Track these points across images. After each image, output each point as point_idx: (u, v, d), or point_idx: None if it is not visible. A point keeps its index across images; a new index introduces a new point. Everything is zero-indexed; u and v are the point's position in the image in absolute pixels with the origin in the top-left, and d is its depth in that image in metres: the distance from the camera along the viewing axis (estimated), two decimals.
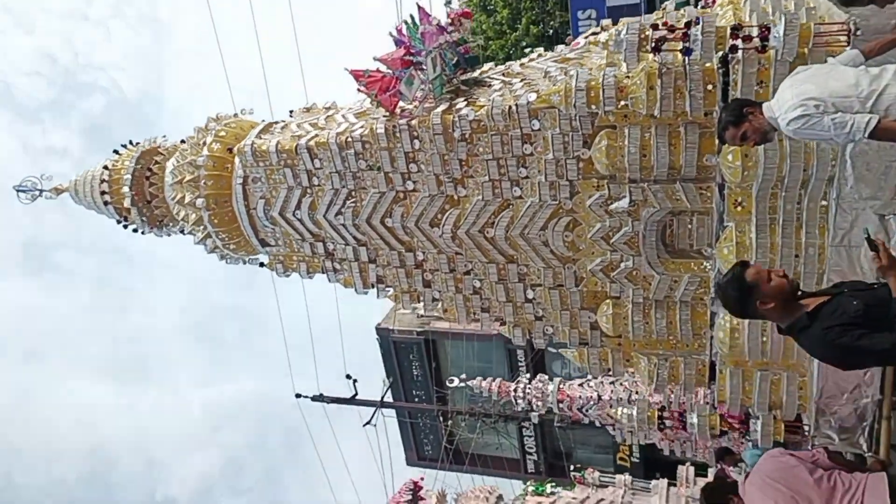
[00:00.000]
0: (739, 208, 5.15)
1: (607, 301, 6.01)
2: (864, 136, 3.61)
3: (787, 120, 3.78)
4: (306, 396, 19.73)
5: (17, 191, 8.93)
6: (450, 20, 6.38)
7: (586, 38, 6.17)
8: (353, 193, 6.67)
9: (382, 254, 6.87)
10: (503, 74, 6.41)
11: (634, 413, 6.35)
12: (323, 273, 7.41)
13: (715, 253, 5.38)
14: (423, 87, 6.12)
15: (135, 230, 8.51)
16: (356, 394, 19.49)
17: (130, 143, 8.37)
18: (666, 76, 4.94)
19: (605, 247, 5.76)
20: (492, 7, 25.44)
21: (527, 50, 7.18)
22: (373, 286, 7.15)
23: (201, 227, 7.46)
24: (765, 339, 5.42)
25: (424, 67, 6.12)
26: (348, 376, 19.48)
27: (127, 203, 7.96)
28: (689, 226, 5.67)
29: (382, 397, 20.05)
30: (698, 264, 5.71)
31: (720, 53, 4.71)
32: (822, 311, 3.33)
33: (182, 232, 8.44)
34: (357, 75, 6.29)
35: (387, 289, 7.11)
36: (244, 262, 8.17)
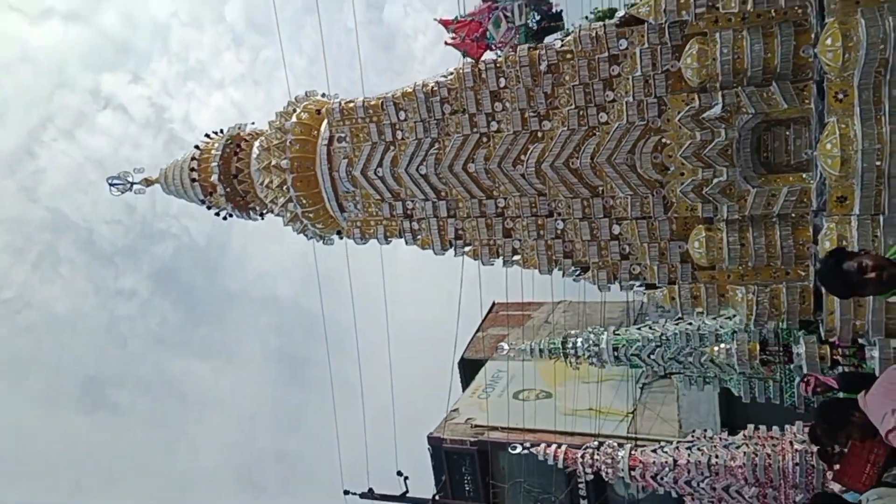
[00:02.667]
0: (841, 101, 5.00)
1: (699, 226, 5.77)
2: None
3: None
4: (354, 493, 18.93)
5: (109, 184, 9.36)
6: None
7: None
8: (436, 141, 6.76)
9: (462, 205, 6.84)
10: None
11: (734, 348, 5.86)
12: (400, 237, 7.38)
13: (816, 153, 5.17)
14: (509, 31, 6.34)
15: (217, 213, 8.73)
16: (407, 491, 18.63)
17: (220, 130, 8.79)
18: None
19: (696, 163, 5.61)
20: None
21: None
22: (450, 244, 7.06)
23: (283, 193, 7.61)
24: (876, 242, 5.06)
25: (511, 12, 6.38)
26: (399, 473, 18.69)
27: (214, 179, 8.22)
28: (786, 137, 5.50)
29: (404, 494, 19.03)
30: (797, 177, 5.48)
31: None
32: None
33: (261, 215, 8.63)
34: (446, 23, 6.59)
35: (465, 246, 7.01)
36: (320, 238, 8.22)
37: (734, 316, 10.49)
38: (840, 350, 5.36)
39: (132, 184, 9.22)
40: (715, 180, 5.58)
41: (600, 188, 6.11)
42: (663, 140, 5.74)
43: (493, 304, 36.97)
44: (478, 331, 36.93)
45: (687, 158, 5.63)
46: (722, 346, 5.93)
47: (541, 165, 6.23)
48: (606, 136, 5.91)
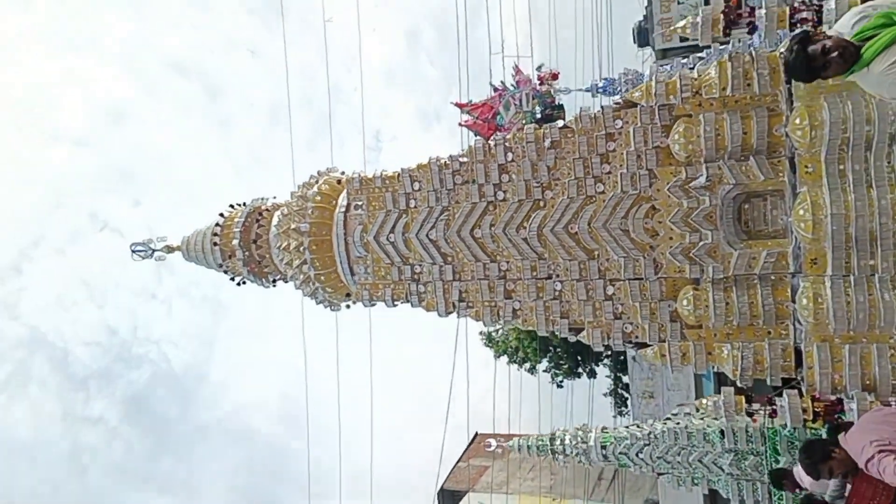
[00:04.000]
0: (810, 173, 5.69)
1: (687, 286, 6.27)
2: None
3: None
4: None
5: (132, 250, 9.82)
6: (539, 79, 7.67)
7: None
8: (446, 210, 7.38)
9: (467, 268, 7.34)
10: None
11: (721, 400, 6.12)
12: (406, 301, 7.82)
13: (791, 219, 5.79)
14: (517, 113, 7.17)
15: (232, 278, 9.17)
16: None
17: (244, 203, 9.41)
18: (735, 60, 5.88)
19: (683, 228, 6.21)
20: None
21: None
22: (454, 306, 7.49)
23: (299, 255, 8.10)
24: (849, 300, 5.56)
25: (519, 100, 7.24)
26: None
27: (234, 243, 8.73)
28: (764, 207, 6.14)
29: None
30: (775, 243, 6.06)
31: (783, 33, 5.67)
32: None
33: (274, 283, 9.08)
34: (461, 105, 7.43)
35: (468, 307, 7.43)
36: (328, 305, 8.62)
37: (719, 418, 10.73)
38: (820, 402, 5.69)
39: (154, 250, 9.69)
40: (701, 243, 6.15)
41: (596, 251, 6.65)
42: (654, 207, 6.36)
43: (476, 434, 36.32)
44: (459, 461, 35.99)
45: (675, 224, 6.23)
46: (708, 400, 6.22)
47: (542, 230, 6.81)
48: (602, 203, 6.54)
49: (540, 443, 11.88)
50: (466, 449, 33.82)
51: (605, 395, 31.74)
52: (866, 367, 5.63)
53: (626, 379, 28.08)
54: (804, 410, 5.65)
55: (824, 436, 5.62)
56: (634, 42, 21.72)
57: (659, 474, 10.96)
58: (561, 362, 32.35)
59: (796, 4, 5.68)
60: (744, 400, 6.01)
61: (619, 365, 30.65)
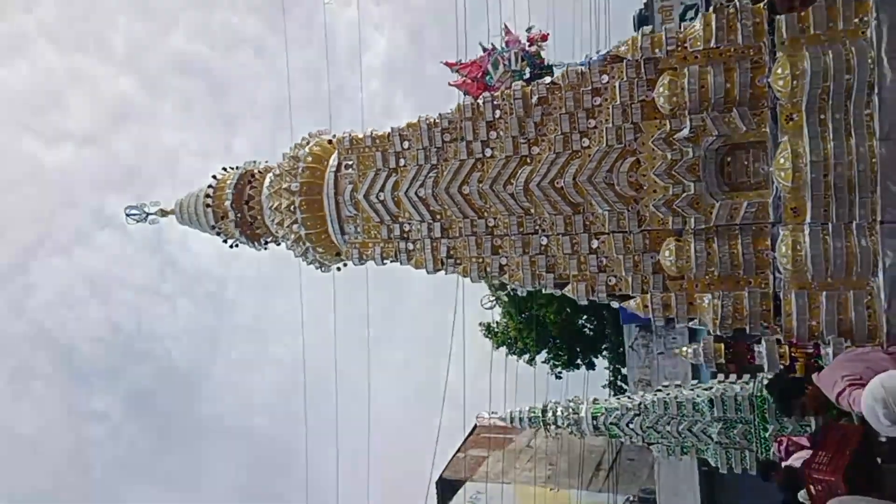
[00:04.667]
0: (791, 122, 5.76)
1: (669, 238, 6.34)
2: None
3: None
4: None
5: (126, 213, 9.93)
6: (528, 40, 7.73)
7: None
8: (434, 167, 7.45)
9: (455, 225, 7.42)
10: None
11: (700, 347, 6.19)
12: (395, 259, 7.90)
13: (772, 169, 5.86)
14: (505, 72, 7.24)
15: (224, 241, 9.26)
16: None
17: (236, 166, 9.49)
18: (719, 12, 5.94)
19: (667, 181, 6.27)
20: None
21: None
22: (442, 263, 7.57)
23: (290, 215, 8.18)
24: (826, 247, 5.62)
25: (508, 60, 7.31)
26: None
27: (226, 204, 8.82)
28: (746, 159, 6.20)
29: None
30: (757, 194, 6.13)
31: None
32: None
33: (266, 245, 9.17)
34: (450, 64, 7.50)
35: (456, 264, 7.51)
36: (319, 265, 8.70)
37: (710, 388, 10.80)
38: (797, 348, 5.75)
39: (147, 214, 9.79)
40: (684, 194, 6.22)
41: (581, 206, 6.73)
42: (638, 161, 6.44)
43: (476, 425, 36.41)
44: (458, 451, 36.10)
45: (659, 176, 6.30)
46: (688, 347, 6.30)
47: (529, 185, 6.89)
48: (588, 158, 6.61)
49: (532, 414, 11.95)
50: (465, 439, 33.94)
51: (603, 386, 31.81)
52: (843, 314, 5.69)
53: (624, 370, 28.15)
54: (781, 356, 5.72)
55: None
56: (635, 30, 21.79)
57: (649, 444, 11.02)
58: (560, 353, 32.47)
59: None
60: (723, 347, 6.08)
61: (617, 356, 30.75)
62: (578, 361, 32.64)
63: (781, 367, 5.69)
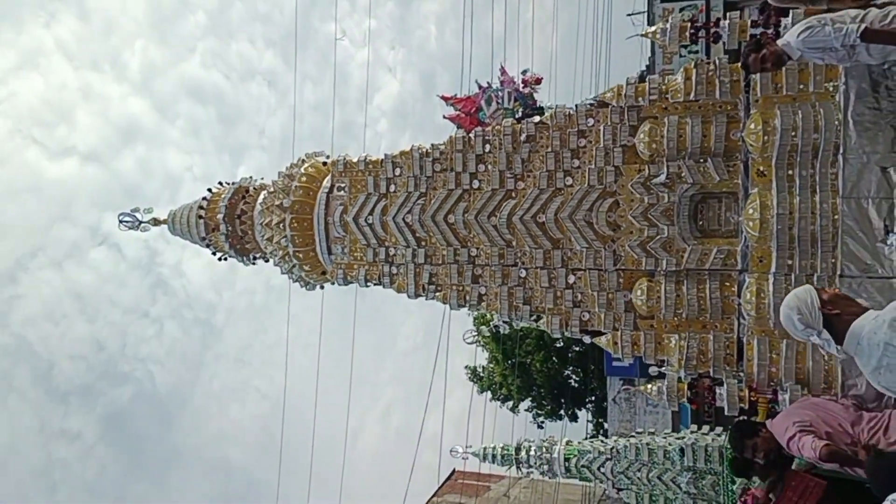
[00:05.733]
0: (762, 176, 6.05)
1: (642, 279, 6.57)
2: (857, 37, 4.77)
3: (797, 34, 5.00)
4: None
5: (119, 219, 10.14)
6: (523, 82, 8.09)
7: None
8: (423, 195, 7.72)
9: (439, 252, 7.65)
10: None
11: (664, 385, 6.33)
12: (378, 282, 8.10)
13: (741, 218, 6.12)
14: (498, 109, 7.57)
15: (213, 253, 9.46)
16: None
17: (232, 182, 9.76)
18: (700, 67, 6.29)
19: (643, 223, 6.53)
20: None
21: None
22: (423, 288, 7.77)
23: (279, 231, 8.42)
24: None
25: (501, 98, 7.65)
26: None
27: (219, 217, 9.06)
28: (718, 208, 6.47)
29: None
30: (727, 241, 6.39)
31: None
32: None
33: (254, 261, 9.38)
34: (446, 98, 7.83)
35: (437, 291, 7.71)
36: (304, 284, 8.90)
37: (682, 437, 10.89)
38: (756, 392, 5.92)
39: (140, 221, 10.00)
40: (658, 237, 6.47)
41: (561, 241, 6.97)
42: (617, 202, 6.70)
43: (454, 470, 35.99)
44: (433, 496, 35.65)
45: (636, 218, 6.56)
46: (653, 385, 6.44)
47: (512, 218, 7.14)
48: (570, 196, 6.89)
49: (505, 452, 12.00)
50: (442, 484, 33.52)
51: (584, 439, 31.65)
52: (801, 362, 5.88)
53: (606, 425, 28.05)
54: (741, 399, 5.89)
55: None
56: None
57: (618, 490, 11.07)
58: (543, 402, 32.36)
59: (756, 19, 6.11)
60: (686, 387, 6.24)
61: (600, 410, 30.64)
62: (561, 412, 32.49)
63: (741, 408, 5.86)
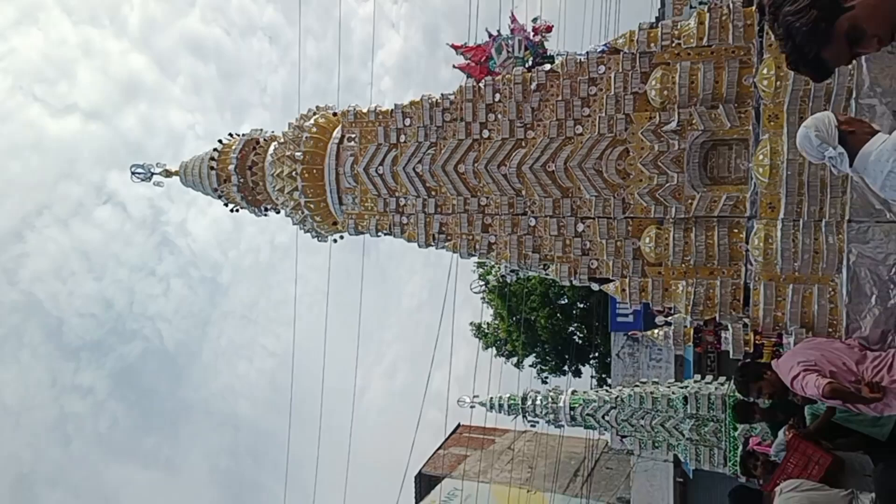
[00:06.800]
0: (773, 122, 6.05)
1: (651, 226, 6.63)
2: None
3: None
4: None
5: (132, 171, 10.20)
6: (533, 30, 8.03)
7: None
8: (433, 145, 7.75)
9: (448, 202, 7.71)
10: None
11: (671, 330, 6.48)
12: (389, 232, 8.18)
13: (751, 164, 6.15)
14: (508, 58, 7.53)
15: (226, 204, 9.54)
16: None
17: (242, 134, 9.77)
18: (713, 11, 6.24)
19: (652, 170, 6.57)
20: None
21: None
22: (434, 238, 7.85)
23: (291, 182, 8.47)
24: (796, 242, 5.92)
25: (512, 46, 7.61)
26: None
27: (231, 168, 9.11)
28: (728, 155, 6.50)
29: None
30: (736, 188, 6.43)
31: None
32: None
33: (266, 212, 9.45)
34: (456, 46, 7.79)
35: (446, 240, 7.79)
36: (315, 234, 8.99)
37: (686, 386, 11.07)
38: (761, 336, 6.04)
39: (153, 174, 10.05)
40: (667, 184, 6.51)
41: (570, 190, 7.02)
42: (627, 150, 6.73)
43: (459, 424, 36.60)
44: (439, 448, 36.31)
45: (645, 165, 6.60)
46: (659, 330, 6.57)
47: (522, 167, 7.18)
48: (580, 144, 6.91)
49: (512, 401, 12.23)
50: (448, 437, 34.14)
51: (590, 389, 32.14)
52: (806, 306, 5.98)
53: (609, 381, 28.41)
54: (746, 343, 6.00)
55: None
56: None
57: (622, 437, 11.32)
58: (548, 358, 32.71)
59: None
60: (692, 331, 6.36)
61: (604, 366, 30.98)
62: (565, 368, 32.86)
63: (746, 352, 5.98)
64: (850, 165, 2.98)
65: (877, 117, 5.66)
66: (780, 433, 6.54)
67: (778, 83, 5.92)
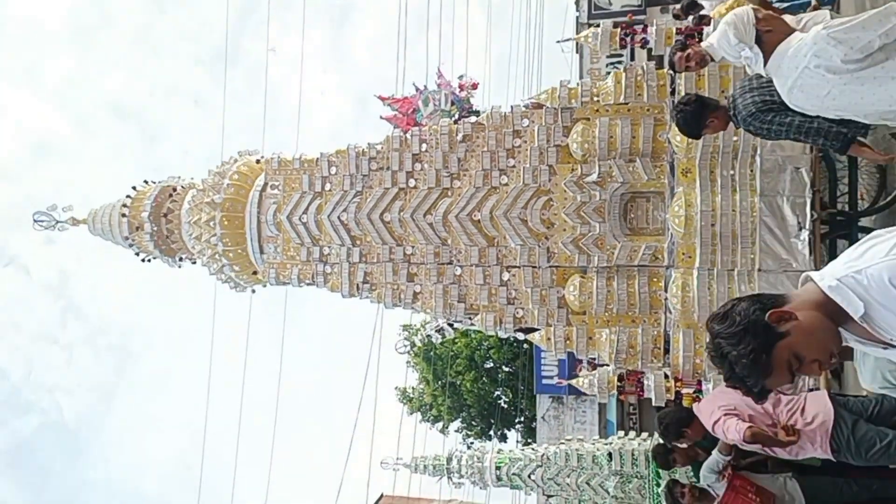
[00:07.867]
0: (687, 175, 6.32)
1: (575, 275, 6.72)
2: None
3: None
4: None
5: (35, 220, 9.66)
6: (459, 87, 8.24)
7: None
8: (359, 193, 7.70)
9: (374, 251, 7.62)
10: None
11: (595, 378, 6.46)
12: (312, 282, 7.99)
13: (668, 216, 6.37)
14: (435, 111, 7.66)
15: (137, 254, 9.13)
16: None
17: (157, 182, 9.46)
18: (629, 72, 6.56)
19: (575, 220, 6.71)
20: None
21: None
22: (358, 287, 7.71)
23: (209, 230, 8.21)
24: (711, 290, 6.11)
25: (438, 100, 7.75)
26: None
27: (144, 216, 8.76)
28: (646, 207, 6.72)
29: None
30: (655, 238, 6.62)
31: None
32: None
33: (180, 262, 9.10)
34: (384, 98, 7.88)
35: (371, 290, 7.66)
36: (234, 285, 8.67)
37: (610, 442, 11.10)
38: (682, 382, 6.13)
39: (57, 221, 9.53)
40: (590, 234, 6.65)
41: (496, 239, 7.07)
42: (551, 200, 6.86)
43: (381, 495, 35.59)
44: None
45: (569, 215, 6.73)
46: (583, 377, 6.58)
47: (447, 216, 7.20)
48: (505, 194, 7.01)
49: (436, 462, 11.91)
50: None
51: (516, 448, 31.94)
52: None
53: (534, 445, 28.27)
54: (667, 390, 6.07)
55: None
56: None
57: (548, 497, 11.16)
58: (473, 423, 32.34)
59: (681, 26, 6.44)
60: (616, 379, 6.40)
61: (530, 430, 30.88)
62: (491, 433, 32.53)
63: (669, 400, 6.04)
64: (765, 66, 3.02)
65: (779, 172, 6.00)
66: (714, 452, 6.53)
67: (690, 140, 6.20)
